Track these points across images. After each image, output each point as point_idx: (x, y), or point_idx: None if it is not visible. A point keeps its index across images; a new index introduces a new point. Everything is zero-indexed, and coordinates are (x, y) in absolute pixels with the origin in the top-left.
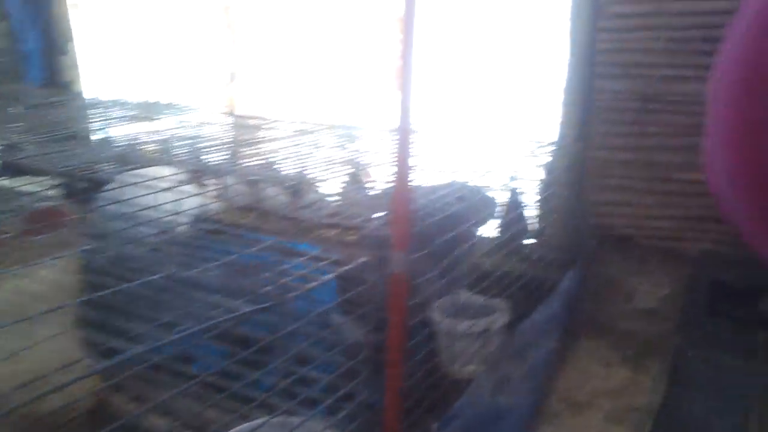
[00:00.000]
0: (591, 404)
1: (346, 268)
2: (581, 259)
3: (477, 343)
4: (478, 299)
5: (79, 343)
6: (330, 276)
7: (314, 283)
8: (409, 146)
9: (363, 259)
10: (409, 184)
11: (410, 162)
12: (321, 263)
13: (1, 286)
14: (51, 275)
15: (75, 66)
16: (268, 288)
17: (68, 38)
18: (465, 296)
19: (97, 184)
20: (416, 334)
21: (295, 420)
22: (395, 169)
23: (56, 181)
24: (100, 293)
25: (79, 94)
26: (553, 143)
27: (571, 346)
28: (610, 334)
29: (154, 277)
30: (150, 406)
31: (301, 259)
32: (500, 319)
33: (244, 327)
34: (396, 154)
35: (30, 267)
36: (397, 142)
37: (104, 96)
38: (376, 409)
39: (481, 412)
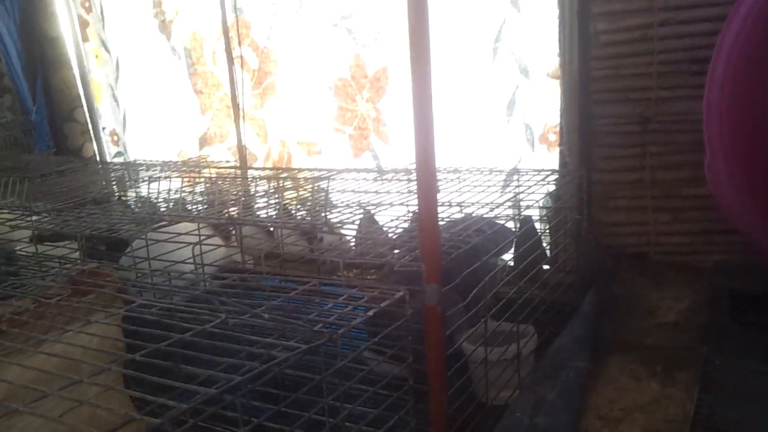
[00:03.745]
0: (627, 419)
1: (385, 303)
2: (598, 281)
3: (510, 369)
4: (506, 326)
5: (128, 401)
6: (370, 313)
7: (358, 320)
8: (435, 176)
9: (399, 294)
10: (438, 215)
11: (436, 193)
12: (360, 301)
13: (51, 347)
14: (99, 333)
15: (85, 131)
16: (320, 327)
17: (76, 105)
18: (493, 325)
19: (121, 244)
20: (451, 365)
21: None
22: (422, 200)
23: (83, 244)
24: (162, 344)
25: (90, 158)
26: (557, 171)
27: (601, 364)
28: (637, 349)
29: (208, 325)
30: None
31: (341, 298)
32: (530, 344)
33: (286, 370)
34: (421, 186)
35: (80, 326)
36: (422, 172)
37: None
38: None
39: None
